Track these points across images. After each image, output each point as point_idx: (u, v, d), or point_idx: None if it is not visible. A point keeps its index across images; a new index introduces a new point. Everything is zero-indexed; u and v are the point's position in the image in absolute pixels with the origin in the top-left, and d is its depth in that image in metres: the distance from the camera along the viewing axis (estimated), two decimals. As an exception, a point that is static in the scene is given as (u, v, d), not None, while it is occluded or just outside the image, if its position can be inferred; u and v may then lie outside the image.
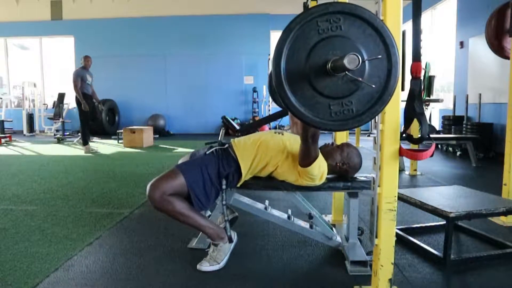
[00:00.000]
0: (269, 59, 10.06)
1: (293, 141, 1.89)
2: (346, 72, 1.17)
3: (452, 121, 6.36)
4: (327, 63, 1.18)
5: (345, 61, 1.07)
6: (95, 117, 6.48)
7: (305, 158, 1.71)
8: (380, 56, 1.20)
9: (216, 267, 1.79)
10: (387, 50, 1.21)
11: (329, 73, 1.19)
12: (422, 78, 1.75)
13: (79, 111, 6.23)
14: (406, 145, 1.50)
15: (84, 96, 6.14)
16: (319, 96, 1.22)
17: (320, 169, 1.76)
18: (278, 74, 1.20)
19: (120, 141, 7.61)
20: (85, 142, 6.32)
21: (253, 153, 1.85)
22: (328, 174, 1.87)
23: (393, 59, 1.21)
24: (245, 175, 1.85)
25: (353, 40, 1.20)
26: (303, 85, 1.22)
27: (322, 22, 1.19)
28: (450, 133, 6.14)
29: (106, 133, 9.58)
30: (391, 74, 1.22)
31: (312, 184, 1.81)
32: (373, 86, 1.20)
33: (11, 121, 9.30)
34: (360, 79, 1.18)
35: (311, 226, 1.97)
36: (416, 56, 1.42)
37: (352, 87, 1.21)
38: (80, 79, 6.12)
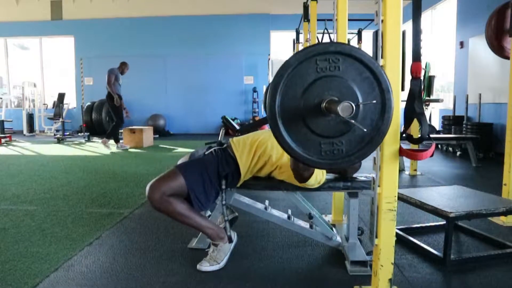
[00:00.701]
0: (269, 59, 10.06)
1: None
2: None
3: (452, 121, 6.36)
4: (322, 102, 1.19)
5: (339, 109, 1.09)
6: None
7: (298, 178, 1.73)
8: (374, 101, 1.22)
9: (216, 267, 1.79)
10: (382, 95, 1.22)
11: (323, 112, 1.20)
12: (422, 78, 1.75)
13: (114, 110, 6.48)
14: (406, 145, 1.50)
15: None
16: (310, 133, 1.24)
17: (316, 178, 1.77)
18: (272, 107, 1.21)
19: (120, 141, 7.60)
20: (109, 137, 6.59)
21: (251, 152, 1.85)
22: (327, 173, 1.87)
23: (388, 105, 1.22)
24: (244, 175, 1.85)
25: (350, 82, 1.21)
26: (296, 120, 1.23)
27: (321, 61, 1.20)
28: (450, 133, 6.14)
29: (106, 133, 9.57)
30: (384, 119, 1.23)
31: (311, 186, 1.81)
32: (365, 130, 1.21)
33: (11, 121, 9.30)
34: (353, 121, 1.18)
35: (311, 226, 1.97)
36: (416, 56, 1.42)
37: (344, 128, 1.22)
38: (114, 77, 6.39)
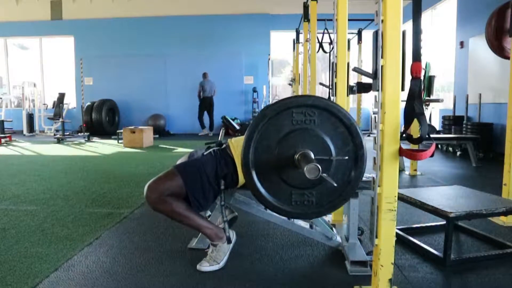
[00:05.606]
0: (269, 59, 10.07)
1: None
2: None
3: (452, 121, 6.36)
4: (295, 154, 1.21)
5: (305, 170, 1.10)
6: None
7: None
8: (346, 158, 1.23)
9: (215, 267, 1.79)
10: (355, 150, 1.24)
11: (296, 164, 1.21)
12: (422, 78, 1.75)
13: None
14: (406, 145, 1.50)
15: None
16: (282, 183, 1.26)
17: None
18: (246, 156, 1.23)
19: (120, 141, 7.61)
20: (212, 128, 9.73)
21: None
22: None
23: (360, 160, 1.25)
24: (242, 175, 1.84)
25: (324, 135, 1.22)
26: (269, 170, 1.25)
27: (298, 113, 1.22)
28: (450, 133, 6.14)
29: (106, 133, 9.59)
30: (356, 173, 1.25)
31: None
32: (335, 184, 1.22)
33: (11, 121, 9.29)
34: (325, 175, 1.19)
35: (311, 226, 1.97)
36: (416, 56, 1.42)
37: (315, 180, 1.22)
38: None
